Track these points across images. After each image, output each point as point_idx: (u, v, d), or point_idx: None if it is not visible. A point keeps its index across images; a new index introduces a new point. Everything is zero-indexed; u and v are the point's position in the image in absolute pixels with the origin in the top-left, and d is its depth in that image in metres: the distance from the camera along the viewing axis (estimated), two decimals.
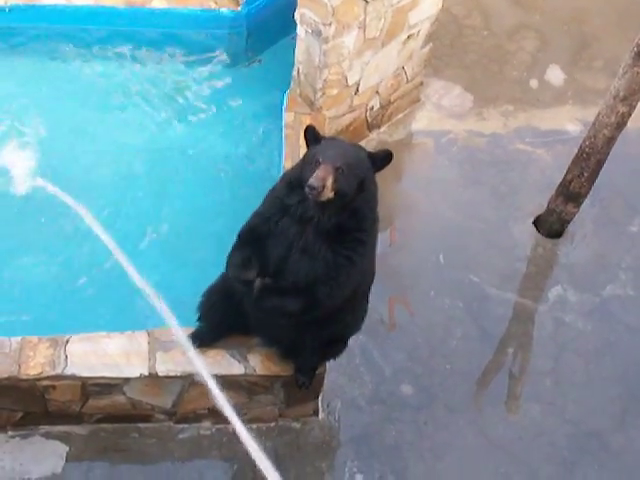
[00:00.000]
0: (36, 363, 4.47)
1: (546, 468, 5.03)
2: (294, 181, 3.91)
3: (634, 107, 5.24)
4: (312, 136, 3.94)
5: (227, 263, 4.18)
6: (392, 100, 6.49)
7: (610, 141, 5.43)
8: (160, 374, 4.54)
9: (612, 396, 5.35)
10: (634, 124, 5.57)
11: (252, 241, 4.06)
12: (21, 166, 5.70)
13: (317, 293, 3.96)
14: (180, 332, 4.15)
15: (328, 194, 3.73)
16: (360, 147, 4.04)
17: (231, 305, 4.37)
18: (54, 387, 4.54)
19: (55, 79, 6.35)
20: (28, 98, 6.15)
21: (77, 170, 5.77)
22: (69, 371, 4.48)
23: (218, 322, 4.56)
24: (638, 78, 5.05)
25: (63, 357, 4.51)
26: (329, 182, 3.70)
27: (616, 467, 5.07)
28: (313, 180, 3.68)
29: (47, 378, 4.48)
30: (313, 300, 3.98)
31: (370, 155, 3.89)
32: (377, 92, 6.27)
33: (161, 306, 4.09)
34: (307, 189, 3.70)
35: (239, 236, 4.14)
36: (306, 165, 3.82)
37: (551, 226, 6.03)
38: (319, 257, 3.93)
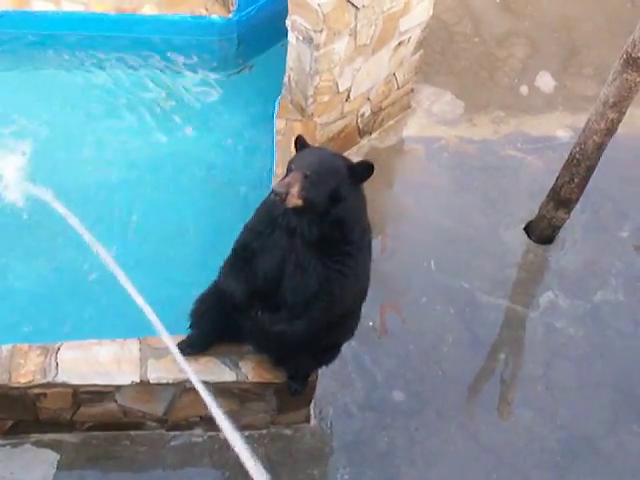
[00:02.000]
0: (27, 371, 4.46)
1: (538, 473, 5.03)
2: None
3: (624, 113, 5.26)
4: (301, 145, 3.95)
5: (220, 278, 4.21)
6: (383, 107, 6.50)
7: (600, 147, 5.45)
8: (152, 381, 4.53)
9: (603, 401, 5.36)
10: (624, 130, 5.58)
11: (246, 258, 4.07)
12: (10, 172, 5.69)
13: (314, 309, 3.97)
14: (169, 340, 4.15)
15: (295, 201, 3.70)
16: (340, 157, 3.98)
17: (223, 313, 4.36)
18: (45, 395, 4.52)
19: (44, 85, 6.34)
20: (17, 104, 6.13)
21: (66, 176, 5.75)
22: (60, 379, 4.46)
23: (209, 330, 4.55)
24: (627, 85, 5.08)
25: (54, 365, 4.49)
26: (295, 189, 3.68)
27: (607, 472, 5.08)
28: (277, 186, 3.71)
29: (38, 386, 4.46)
30: (310, 316, 3.99)
31: (349, 166, 3.84)
32: (368, 99, 6.28)
33: (150, 313, 4.09)
34: (272, 195, 3.72)
35: (233, 252, 4.15)
36: (286, 174, 3.84)
37: (542, 232, 6.05)
38: (311, 271, 3.93)
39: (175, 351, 4.20)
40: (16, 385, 4.43)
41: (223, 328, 4.51)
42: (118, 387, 4.54)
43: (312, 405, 5.02)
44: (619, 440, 5.20)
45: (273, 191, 3.70)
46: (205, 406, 3.95)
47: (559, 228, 6.01)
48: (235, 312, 4.25)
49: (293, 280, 3.97)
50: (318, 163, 3.78)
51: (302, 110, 5.84)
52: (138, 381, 4.51)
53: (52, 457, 4.76)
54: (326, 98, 5.85)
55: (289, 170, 3.79)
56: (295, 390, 4.64)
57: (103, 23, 6.45)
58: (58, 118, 6.11)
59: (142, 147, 6.04)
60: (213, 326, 4.52)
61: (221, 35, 6.50)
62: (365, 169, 3.82)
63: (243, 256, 4.09)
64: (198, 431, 4.91)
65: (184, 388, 4.54)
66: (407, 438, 5.08)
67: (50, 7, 6.42)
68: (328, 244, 3.88)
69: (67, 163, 5.87)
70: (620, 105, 5.19)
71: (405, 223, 6.15)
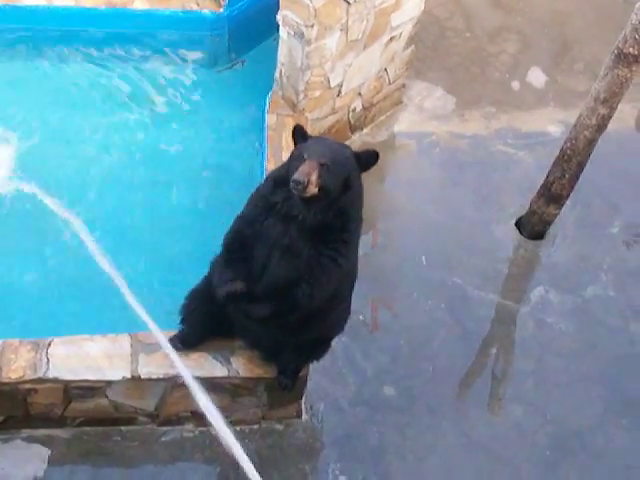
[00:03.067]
0: (17, 366, 4.45)
1: (528, 468, 5.05)
2: (279, 179, 3.93)
3: (615, 109, 5.28)
4: (300, 135, 3.95)
5: (212, 273, 4.20)
6: (374, 102, 6.50)
7: (591, 143, 5.46)
8: (143, 377, 4.52)
9: (593, 396, 5.38)
10: (614, 126, 5.60)
11: (238, 245, 4.06)
12: (2, 167, 5.67)
13: (297, 293, 3.97)
14: (161, 335, 4.15)
15: (312, 190, 3.73)
16: (346, 146, 4.06)
17: (213, 308, 4.35)
18: (36, 390, 4.52)
19: (35, 80, 6.30)
20: (8, 99, 6.11)
21: (58, 172, 5.74)
22: (51, 374, 4.46)
23: (200, 325, 4.56)
24: (619, 80, 5.09)
25: (45, 360, 4.49)
26: (313, 177, 3.71)
27: (597, 466, 5.10)
28: (298, 175, 3.70)
29: (29, 381, 4.45)
30: (289, 302, 3.99)
31: (355, 154, 3.90)
32: (359, 94, 6.27)
33: (141, 309, 4.09)
34: (292, 184, 3.71)
35: (224, 244, 4.15)
36: (292, 162, 3.84)
37: (533, 227, 6.06)
38: (302, 256, 3.93)
39: (166, 346, 4.20)
40: (7, 380, 4.42)
41: (214, 323, 4.52)
42: (109, 382, 4.54)
43: (303, 400, 5.03)
44: (608, 435, 5.22)
45: (294, 180, 3.69)
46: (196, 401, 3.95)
47: (550, 223, 6.03)
48: (225, 306, 4.24)
49: (279, 265, 3.97)
50: (331, 152, 3.82)
51: (293, 105, 5.84)
52: (129, 376, 4.51)
53: (43, 452, 4.75)
54: (317, 93, 5.84)
55: (301, 159, 3.77)
56: (286, 385, 4.64)
57: (93, 18, 6.42)
58: (49, 113, 6.09)
59: (133, 142, 6.02)
60: (204, 321, 4.52)
61: (212, 30, 6.48)
62: (371, 157, 3.89)
63: (235, 246, 4.08)
64: (189, 426, 4.90)
65: (175, 383, 4.53)
66: (398, 433, 5.09)
67: (41, 2, 6.40)
68: (326, 231, 3.90)
69: (58, 159, 5.85)
70: (611, 101, 5.20)
71: (396, 218, 6.16)
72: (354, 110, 6.34)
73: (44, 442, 4.78)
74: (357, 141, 6.50)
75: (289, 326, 4.22)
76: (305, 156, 3.77)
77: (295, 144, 3.97)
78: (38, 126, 5.97)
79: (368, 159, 3.89)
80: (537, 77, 7.22)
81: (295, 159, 3.83)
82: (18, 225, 5.45)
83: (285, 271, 3.97)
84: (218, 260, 4.20)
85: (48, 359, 4.49)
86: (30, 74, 6.35)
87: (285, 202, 3.89)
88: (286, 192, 3.85)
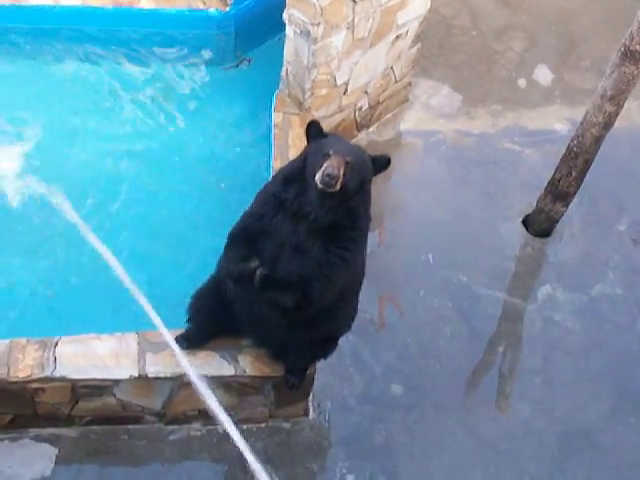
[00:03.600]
0: (25, 365, 4.45)
1: (535, 466, 5.05)
2: (290, 176, 3.93)
3: (621, 106, 5.26)
4: (316, 130, 3.95)
5: (221, 262, 4.20)
6: (381, 100, 6.50)
7: (598, 140, 5.45)
8: (150, 375, 4.53)
9: (601, 394, 5.37)
10: (621, 123, 5.59)
11: (245, 241, 4.06)
12: (9, 165, 5.68)
13: (309, 290, 3.96)
14: (168, 334, 4.15)
15: (336, 186, 3.72)
16: (362, 147, 4.12)
17: (220, 307, 4.36)
18: (43, 389, 4.53)
19: (41, 79, 6.33)
20: (14, 97, 6.13)
21: (64, 170, 5.76)
22: (58, 373, 4.46)
23: (207, 324, 4.56)
24: (625, 77, 5.07)
25: (52, 359, 4.49)
26: (340, 173, 3.71)
27: (605, 464, 5.09)
28: (331, 169, 3.68)
29: (36, 380, 4.46)
30: (306, 297, 3.98)
31: (372, 157, 3.94)
32: (366, 92, 6.27)
33: (148, 307, 4.09)
34: (325, 178, 3.68)
35: (230, 237, 4.13)
36: (312, 158, 3.82)
37: (540, 225, 6.05)
38: (312, 255, 3.93)
39: (174, 345, 4.19)
40: (14, 380, 4.43)
41: (221, 322, 4.51)
42: (116, 381, 4.55)
43: (310, 399, 5.03)
44: (616, 432, 5.21)
45: (328, 174, 3.67)
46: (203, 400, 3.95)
47: (557, 221, 6.02)
48: (230, 300, 4.24)
49: (290, 263, 3.96)
50: (355, 152, 3.87)
51: (300, 104, 5.84)
52: (136, 375, 4.51)
53: (50, 451, 4.76)
54: (324, 91, 5.84)
55: (324, 155, 3.74)
56: (293, 383, 4.64)
57: (100, 17, 6.44)
58: (55, 111, 6.11)
59: (140, 141, 6.03)
60: (211, 320, 4.52)
61: (218, 29, 6.50)
62: (384, 162, 3.95)
63: (242, 238, 4.07)
64: (196, 425, 4.91)
65: (182, 382, 4.53)
66: (405, 431, 5.09)
67: (47, 1, 6.41)
68: (335, 229, 3.91)
69: (65, 156, 5.87)
70: (618, 98, 5.19)
71: (403, 216, 6.15)
72: (360, 108, 6.34)
73: (51, 441, 4.79)
74: (363, 139, 6.50)
75: (299, 324, 4.22)
76: (330, 152, 3.75)
77: (308, 140, 3.96)
78: (45, 125, 5.99)
79: (382, 164, 3.95)
80: (544, 75, 7.21)
81: (314, 154, 3.82)
82: (26, 223, 5.46)
83: (296, 269, 3.96)
84: (228, 252, 4.17)
85: (55, 358, 4.50)
86: (38, 74, 6.36)
87: (296, 199, 3.89)
88: (298, 189, 3.85)
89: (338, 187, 3.73)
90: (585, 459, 5.09)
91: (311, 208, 3.86)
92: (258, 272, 3.97)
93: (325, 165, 3.70)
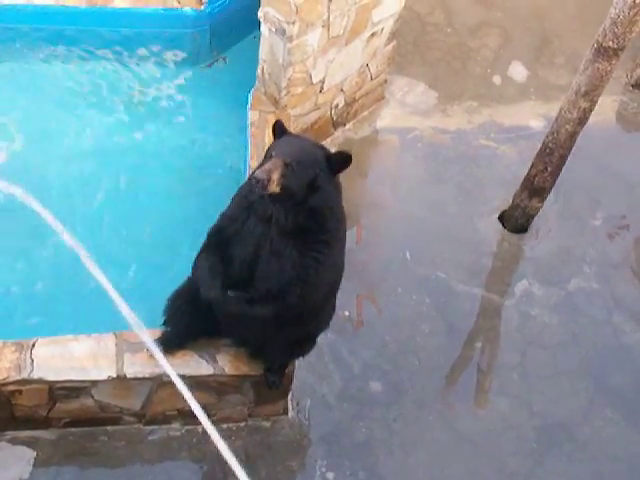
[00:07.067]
0: (1, 368, 4.42)
1: (515, 460, 5.08)
2: None
3: (595, 102, 5.30)
4: (279, 131, 3.94)
5: (194, 269, 4.20)
6: (357, 98, 6.51)
7: (572, 136, 5.48)
8: (128, 376, 4.51)
9: (578, 388, 5.41)
10: (595, 119, 5.63)
11: (219, 244, 4.05)
12: None
13: (288, 295, 3.96)
14: (146, 335, 4.12)
15: (274, 188, 3.70)
16: (319, 146, 3.99)
17: (197, 308, 4.32)
18: (20, 392, 4.49)
19: (15, 79, 6.28)
20: None
21: (40, 171, 5.71)
22: (35, 375, 4.43)
23: (184, 326, 4.51)
24: (599, 74, 5.11)
25: (29, 361, 4.46)
26: (275, 176, 3.68)
27: (583, 457, 5.13)
28: (258, 172, 3.68)
29: (13, 383, 4.43)
30: (285, 302, 3.97)
31: (328, 156, 3.86)
32: (342, 90, 6.27)
33: (125, 309, 4.06)
34: (252, 181, 3.69)
35: (207, 238, 4.14)
36: (264, 160, 3.83)
37: (516, 221, 6.08)
38: (286, 258, 3.92)
39: (151, 345, 4.16)
40: None
41: (198, 324, 4.48)
42: (94, 382, 4.52)
43: (290, 397, 5.03)
44: (594, 426, 5.26)
45: (254, 177, 3.67)
46: (182, 399, 3.93)
47: (533, 217, 6.05)
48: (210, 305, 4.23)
49: (268, 267, 3.96)
50: (299, 151, 3.78)
51: (276, 102, 5.83)
52: (115, 376, 4.49)
53: (28, 454, 4.72)
54: (299, 90, 5.84)
55: (269, 157, 3.77)
56: (272, 382, 4.64)
57: (74, 16, 6.39)
58: (29, 111, 6.06)
59: (116, 140, 6.00)
60: (187, 322, 4.48)
61: (194, 27, 6.47)
62: (343, 160, 3.84)
63: (217, 241, 4.07)
64: (176, 425, 4.90)
65: (161, 382, 4.52)
66: (385, 428, 5.10)
67: (20, 0, 6.35)
68: (304, 233, 3.88)
69: (39, 157, 5.82)
70: (592, 94, 5.23)
71: (380, 214, 6.16)
72: (336, 106, 6.34)
73: (29, 444, 4.75)
74: (340, 137, 6.50)
75: (279, 325, 4.20)
76: (273, 154, 3.76)
77: (274, 139, 3.96)
78: (22, 125, 5.94)
79: (341, 162, 3.83)
80: (518, 71, 7.25)
81: (266, 157, 3.83)
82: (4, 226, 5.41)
83: (274, 273, 3.95)
84: (201, 261, 4.17)
85: (32, 360, 4.47)
86: (12, 73, 6.31)
87: (261, 202, 3.88)
88: None
89: (276, 189, 3.70)
90: (564, 452, 5.13)
91: (271, 211, 3.86)
92: (231, 295, 3.96)
93: (259, 168, 3.71)
